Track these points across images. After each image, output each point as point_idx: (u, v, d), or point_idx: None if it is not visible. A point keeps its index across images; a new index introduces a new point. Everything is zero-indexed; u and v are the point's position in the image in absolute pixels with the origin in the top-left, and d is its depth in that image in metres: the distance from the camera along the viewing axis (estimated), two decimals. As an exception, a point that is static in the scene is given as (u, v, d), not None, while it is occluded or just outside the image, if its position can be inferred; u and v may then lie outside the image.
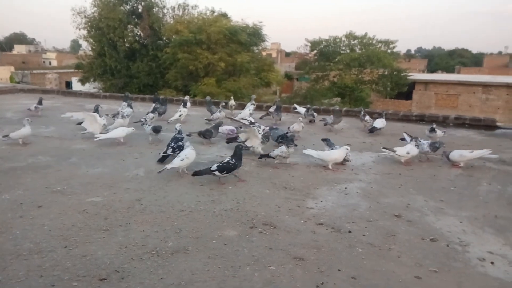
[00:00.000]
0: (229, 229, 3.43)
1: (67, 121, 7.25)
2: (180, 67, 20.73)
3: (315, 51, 31.43)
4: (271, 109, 8.41)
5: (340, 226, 3.54)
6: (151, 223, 3.51)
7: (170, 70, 21.46)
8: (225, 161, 4.57)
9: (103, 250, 3.04)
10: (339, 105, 19.58)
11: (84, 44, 27.20)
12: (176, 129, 5.58)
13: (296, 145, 5.33)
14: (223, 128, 6.62)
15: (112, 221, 3.53)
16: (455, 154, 5.36)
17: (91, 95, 12.83)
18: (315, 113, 8.29)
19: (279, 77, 25.64)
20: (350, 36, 29.87)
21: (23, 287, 2.59)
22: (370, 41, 29.46)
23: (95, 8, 23.04)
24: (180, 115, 7.82)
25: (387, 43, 29.58)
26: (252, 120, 7.12)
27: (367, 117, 7.61)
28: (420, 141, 5.57)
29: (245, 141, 5.74)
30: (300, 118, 7.04)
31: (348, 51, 29.81)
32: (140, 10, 23.58)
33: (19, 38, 70.71)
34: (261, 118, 8.18)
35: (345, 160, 5.31)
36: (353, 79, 28.21)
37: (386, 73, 28.76)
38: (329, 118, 7.56)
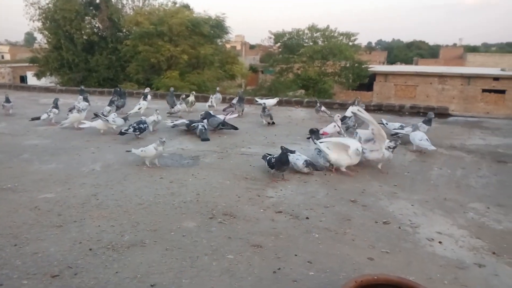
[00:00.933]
0: (188, 220, 3.41)
1: (19, 116, 6.92)
2: (142, 60, 20.17)
3: (279, 44, 31.66)
4: (234, 101, 8.40)
5: (298, 213, 3.60)
6: (107, 218, 3.43)
7: (131, 63, 20.78)
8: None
9: (56, 246, 2.94)
10: (303, 97, 19.95)
11: (39, 37, 25.92)
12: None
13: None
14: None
15: (66, 217, 3.42)
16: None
17: (46, 89, 12.29)
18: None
19: (243, 70, 25.59)
20: (312, 28, 30.31)
21: (-33, 288, 2.47)
22: (332, 34, 30.03)
23: (50, -1, 21.99)
24: (139, 108, 7.64)
25: (348, 35, 30.25)
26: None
27: (323, 108, 7.77)
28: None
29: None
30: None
31: (311, 43, 30.26)
32: (98, 1, 22.59)
33: (-33, 31, 66.43)
34: (224, 110, 8.14)
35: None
36: (316, 71, 28.67)
37: (348, 65, 29.43)
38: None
